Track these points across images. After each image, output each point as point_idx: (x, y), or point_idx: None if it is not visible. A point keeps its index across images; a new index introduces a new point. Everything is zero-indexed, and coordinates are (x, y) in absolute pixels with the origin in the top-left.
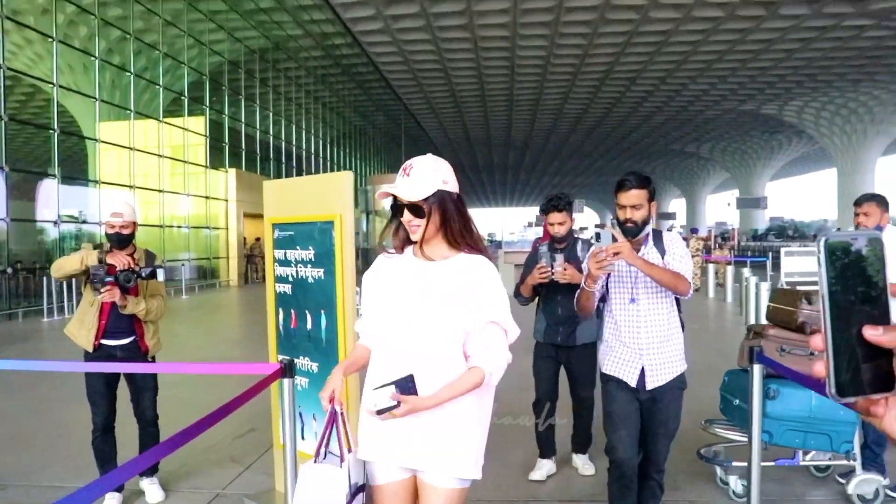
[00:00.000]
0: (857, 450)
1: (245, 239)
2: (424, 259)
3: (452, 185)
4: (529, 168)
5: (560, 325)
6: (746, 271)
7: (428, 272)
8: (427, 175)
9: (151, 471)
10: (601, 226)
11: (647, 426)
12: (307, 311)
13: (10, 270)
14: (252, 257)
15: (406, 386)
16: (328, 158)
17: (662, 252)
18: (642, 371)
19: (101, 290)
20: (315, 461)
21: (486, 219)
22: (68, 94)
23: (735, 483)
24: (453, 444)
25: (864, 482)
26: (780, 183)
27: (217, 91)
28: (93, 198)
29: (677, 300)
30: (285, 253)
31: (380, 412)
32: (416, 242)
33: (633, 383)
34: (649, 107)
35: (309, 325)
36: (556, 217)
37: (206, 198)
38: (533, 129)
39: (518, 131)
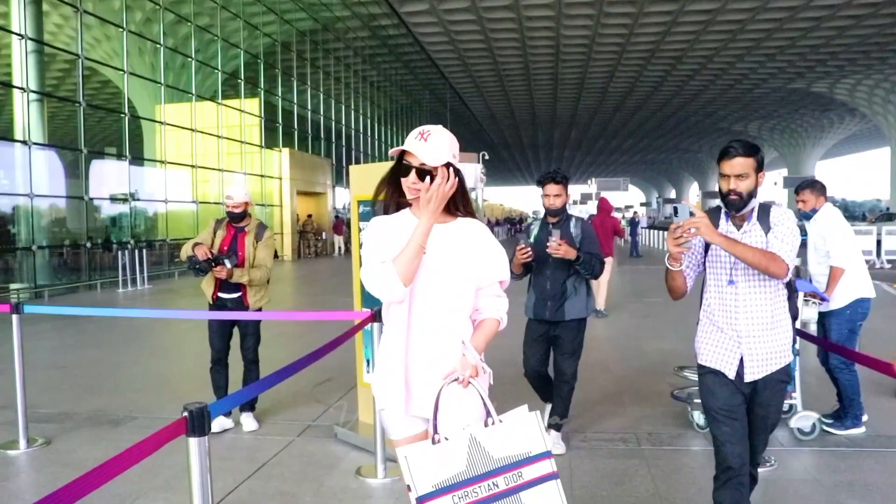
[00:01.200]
0: (797, 391)
1: (298, 216)
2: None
3: (456, 161)
4: (574, 146)
5: (548, 300)
6: None
7: (437, 233)
8: (444, 145)
9: (250, 406)
10: (669, 200)
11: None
12: None
13: (88, 244)
14: (304, 233)
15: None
16: (376, 137)
17: (767, 229)
18: (741, 361)
19: (216, 273)
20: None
21: (530, 196)
22: (134, 80)
23: (698, 417)
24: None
25: (802, 417)
26: (830, 162)
27: (269, 73)
28: (159, 177)
29: (789, 284)
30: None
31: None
32: (409, 206)
33: (731, 374)
34: (696, 85)
35: None
36: (552, 189)
37: (262, 176)
38: (578, 108)
39: (563, 109)
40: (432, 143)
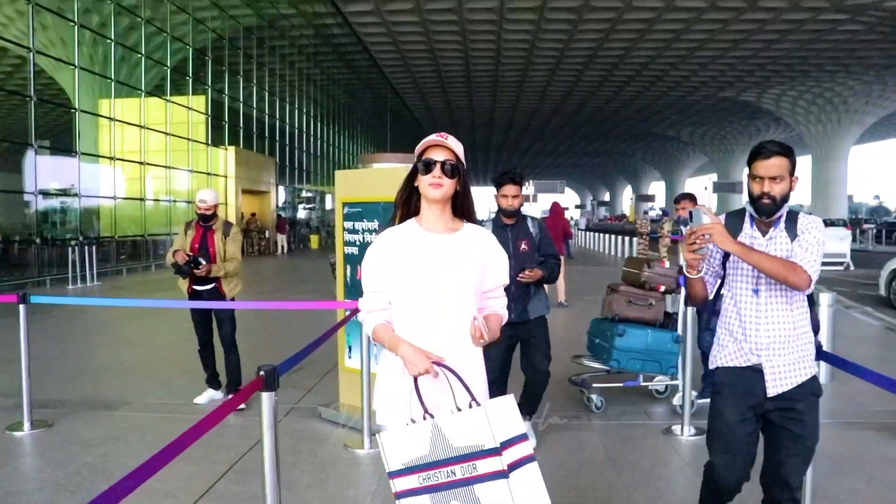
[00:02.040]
0: (679, 372)
1: (242, 214)
2: (433, 232)
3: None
4: (512, 148)
5: (511, 302)
6: None
7: (446, 242)
8: (458, 145)
9: (237, 388)
10: (603, 203)
11: (775, 441)
12: None
13: (37, 240)
14: (248, 231)
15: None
16: (318, 137)
17: (793, 237)
18: (761, 374)
19: (197, 271)
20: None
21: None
22: (74, 73)
23: (596, 399)
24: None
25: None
26: None
27: (215, 69)
28: (107, 173)
29: (810, 298)
30: (353, 224)
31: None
32: (415, 216)
33: (751, 389)
34: (631, 91)
35: None
36: (510, 189)
37: (208, 174)
38: (516, 111)
39: (502, 112)
40: (450, 142)
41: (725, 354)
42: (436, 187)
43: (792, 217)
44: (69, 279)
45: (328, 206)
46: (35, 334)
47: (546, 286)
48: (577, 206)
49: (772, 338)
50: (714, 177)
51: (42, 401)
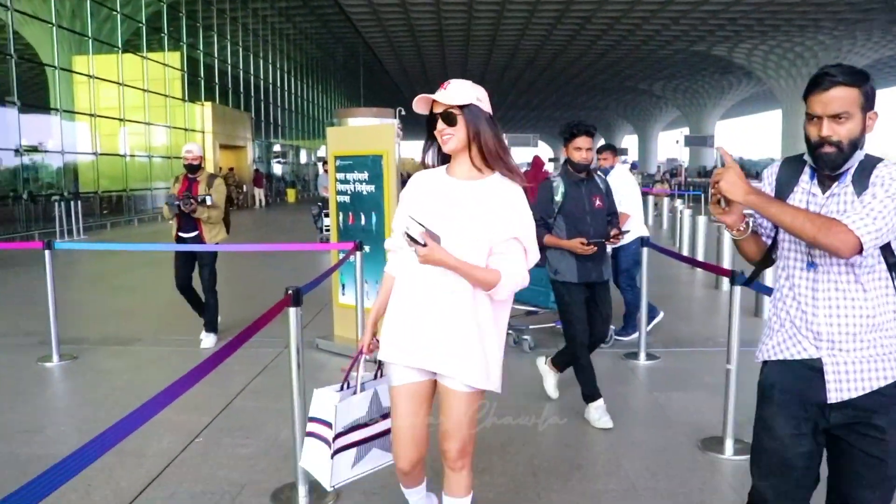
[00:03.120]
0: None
1: (220, 168)
2: (455, 177)
3: (486, 106)
4: None
5: (590, 261)
6: (679, 203)
7: (457, 190)
8: (463, 89)
9: (213, 327)
10: (603, 147)
11: (842, 466)
12: (361, 213)
13: (24, 196)
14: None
15: (434, 237)
16: (291, 91)
17: (862, 192)
18: (821, 373)
19: (183, 207)
20: (341, 389)
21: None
22: (43, 27)
23: (530, 340)
24: (469, 351)
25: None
26: (729, 122)
27: (189, 25)
28: (87, 130)
29: (892, 269)
30: (345, 175)
31: (410, 239)
32: (447, 164)
33: (807, 392)
34: (603, 45)
35: (363, 222)
36: (583, 141)
37: (185, 130)
38: (489, 65)
39: (474, 66)
40: (451, 88)
41: (775, 344)
42: (445, 140)
43: (866, 167)
44: (56, 233)
45: (303, 160)
46: (37, 282)
47: None
48: (550, 160)
49: (834, 326)
50: (686, 130)
51: (64, 338)
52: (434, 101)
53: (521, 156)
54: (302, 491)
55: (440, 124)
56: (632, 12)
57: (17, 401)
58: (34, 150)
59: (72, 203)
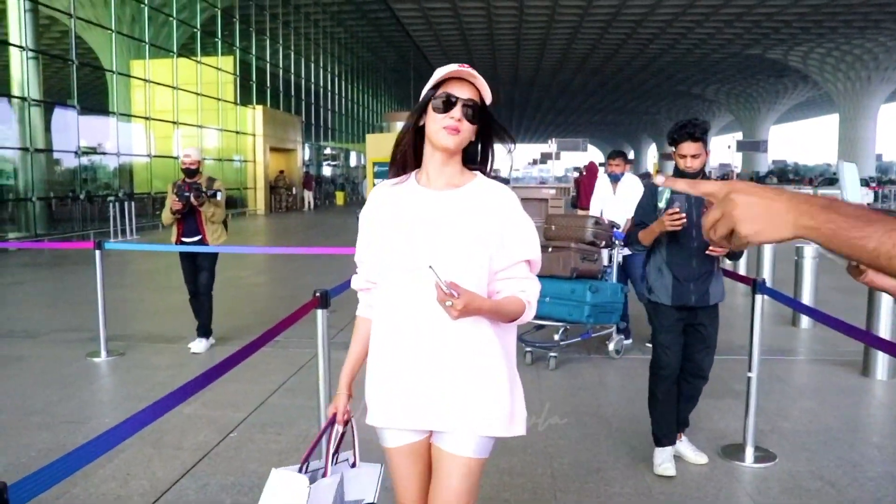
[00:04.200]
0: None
1: (271, 172)
2: (431, 188)
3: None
4: (535, 105)
5: (692, 282)
6: None
7: (443, 199)
8: (485, 85)
9: (205, 333)
10: (615, 153)
11: None
12: None
13: (82, 196)
14: (276, 188)
15: (451, 284)
16: (342, 95)
17: None
18: None
19: (193, 199)
20: (301, 471)
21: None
22: (107, 35)
23: (556, 357)
24: (489, 395)
25: (616, 341)
26: (784, 127)
27: (242, 29)
28: (142, 132)
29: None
30: (382, 180)
31: (442, 292)
32: (417, 169)
33: None
34: (655, 49)
35: None
36: (689, 147)
37: (237, 133)
38: (539, 68)
39: (524, 69)
40: (480, 79)
41: None
42: (451, 132)
43: None
44: (110, 233)
45: (353, 163)
46: (89, 280)
47: None
48: (599, 164)
49: None
50: (739, 135)
51: (111, 335)
52: (457, 78)
53: (571, 160)
54: (324, 414)
55: (457, 112)
56: (684, 16)
57: (65, 393)
58: (92, 151)
59: (125, 203)
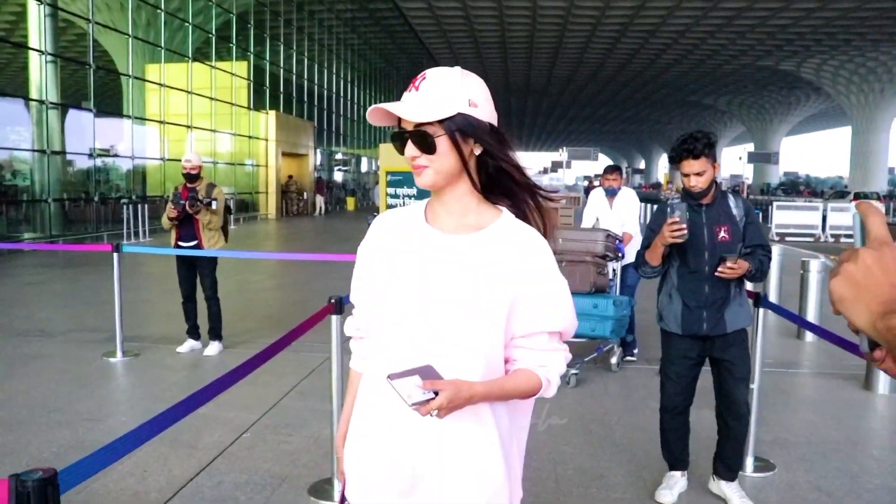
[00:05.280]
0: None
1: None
2: (438, 229)
3: (485, 111)
4: (546, 114)
5: (704, 309)
6: None
7: (451, 247)
8: (445, 89)
9: (217, 335)
10: (639, 170)
11: None
12: None
13: (96, 198)
14: (287, 193)
15: (429, 373)
16: (354, 101)
17: None
18: None
19: (189, 208)
20: None
21: None
22: (123, 39)
23: (578, 374)
24: (481, 470)
25: (618, 354)
26: (796, 139)
27: (256, 35)
28: (156, 135)
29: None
30: (395, 189)
31: (415, 405)
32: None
33: None
34: (667, 59)
35: None
36: (690, 166)
37: (250, 137)
38: (551, 77)
39: (536, 77)
40: (425, 91)
41: None
42: (418, 172)
43: None
44: (123, 235)
45: (364, 168)
46: (104, 281)
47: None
48: (595, 177)
49: None
50: (750, 146)
51: (127, 335)
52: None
53: (582, 169)
54: (338, 486)
55: (409, 148)
56: (697, 26)
57: (83, 392)
58: (106, 153)
59: (139, 206)
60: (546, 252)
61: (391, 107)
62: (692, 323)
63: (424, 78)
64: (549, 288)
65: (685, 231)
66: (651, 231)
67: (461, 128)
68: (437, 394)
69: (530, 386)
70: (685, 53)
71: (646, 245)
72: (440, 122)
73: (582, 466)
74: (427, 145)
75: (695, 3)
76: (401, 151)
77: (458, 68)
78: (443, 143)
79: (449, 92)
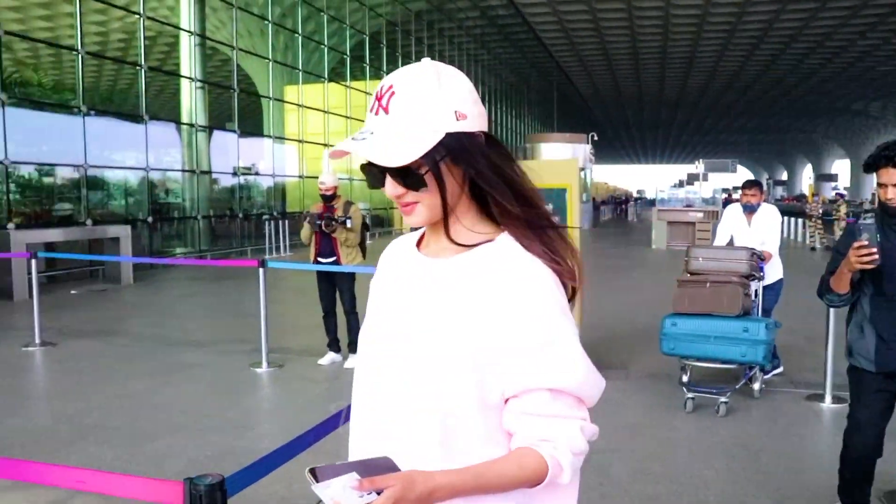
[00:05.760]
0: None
1: None
2: (423, 251)
3: (474, 118)
4: (681, 125)
5: (885, 343)
6: None
7: (424, 272)
8: (423, 106)
9: (354, 349)
10: (780, 182)
11: None
12: None
13: (241, 215)
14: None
15: (378, 468)
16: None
17: None
18: None
19: (324, 227)
20: None
21: (635, 175)
22: (264, 62)
23: (728, 403)
24: None
25: (761, 380)
26: None
27: (389, 54)
28: (294, 154)
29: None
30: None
31: None
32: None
33: None
34: (811, 64)
35: None
36: (890, 176)
37: None
38: (686, 86)
39: (670, 88)
40: (396, 115)
41: None
42: (407, 211)
43: None
44: (266, 250)
45: None
46: (249, 294)
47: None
48: (734, 189)
49: None
50: None
51: (272, 347)
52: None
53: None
54: None
55: (391, 186)
56: (844, 27)
57: (232, 400)
58: (248, 172)
59: (280, 222)
60: (542, 285)
61: (358, 150)
62: (890, 359)
63: (392, 93)
64: (543, 331)
65: (876, 256)
66: (838, 254)
67: (453, 152)
68: (380, 493)
69: (526, 472)
70: (831, 56)
71: (831, 270)
72: (422, 156)
73: (724, 492)
74: (413, 182)
75: (842, 3)
76: (376, 186)
77: (428, 64)
78: (427, 179)
79: (428, 108)
